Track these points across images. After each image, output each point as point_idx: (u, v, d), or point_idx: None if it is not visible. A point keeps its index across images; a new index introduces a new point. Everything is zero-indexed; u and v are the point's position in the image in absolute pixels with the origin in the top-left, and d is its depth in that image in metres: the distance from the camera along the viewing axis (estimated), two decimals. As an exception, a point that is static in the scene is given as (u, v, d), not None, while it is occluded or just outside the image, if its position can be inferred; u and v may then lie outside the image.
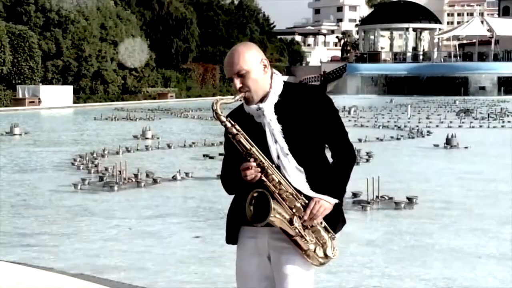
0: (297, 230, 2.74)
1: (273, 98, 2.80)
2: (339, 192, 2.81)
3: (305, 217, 2.74)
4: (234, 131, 2.75)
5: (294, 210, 2.75)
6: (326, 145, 2.87)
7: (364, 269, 6.22)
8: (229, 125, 2.75)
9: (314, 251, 2.77)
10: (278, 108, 2.80)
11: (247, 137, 2.75)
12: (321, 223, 2.79)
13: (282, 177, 2.74)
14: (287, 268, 2.79)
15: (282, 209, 2.73)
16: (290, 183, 2.75)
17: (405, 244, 7.27)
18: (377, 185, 9.18)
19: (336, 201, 2.78)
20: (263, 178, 2.72)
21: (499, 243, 7.33)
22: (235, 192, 2.88)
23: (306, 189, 2.77)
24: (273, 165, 2.74)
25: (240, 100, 2.81)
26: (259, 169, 2.72)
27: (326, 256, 2.79)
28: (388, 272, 6.14)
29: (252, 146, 2.74)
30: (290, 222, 2.73)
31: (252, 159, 2.72)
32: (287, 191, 2.74)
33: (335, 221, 2.85)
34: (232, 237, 2.92)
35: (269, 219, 2.69)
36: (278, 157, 2.76)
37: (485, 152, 16.32)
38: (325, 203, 2.75)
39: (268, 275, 2.86)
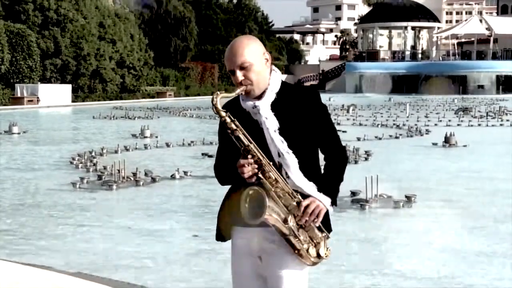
0: (291, 229, 2.70)
1: (270, 96, 2.76)
2: (332, 193, 2.77)
3: (301, 216, 2.70)
4: (233, 126, 2.68)
5: (289, 209, 2.71)
6: (319, 149, 2.84)
7: (363, 268, 6.22)
8: (228, 120, 2.69)
9: (307, 250, 2.73)
10: (274, 106, 2.75)
11: (245, 133, 2.69)
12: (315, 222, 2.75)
13: (279, 175, 2.70)
14: (279, 269, 2.77)
15: (278, 208, 2.69)
16: (287, 182, 2.71)
17: (404, 242, 7.28)
18: (376, 183, 9.18)
19: (329, 201, 2.75)
20: (260, 175, 2.67)
21: (498, 241, 7.34)
22: (229, 183, 2.84)
23: (307, 187, 2.73)
24: (271, 163, 2.70)
25: (241, 94, 2.74)
26: (256, 166, 2.67)
27: (318, 256, 2.76)
28: (387, 271, 6.14)
29: (251, 142, 2.68)
30: (285, 221, 2.69)
31: (250, 156, 2.67)
32: (283, 190, 2.70)
33: (328, 221, 2.83)
34: (221, 235, 2.91)
35: (264, 217, 2.65)
36: (279, 155, 2.72)
37: (484, 151, 16.33)
38: (320, 204, 2.72)
39: (261, 275, 2.84)
